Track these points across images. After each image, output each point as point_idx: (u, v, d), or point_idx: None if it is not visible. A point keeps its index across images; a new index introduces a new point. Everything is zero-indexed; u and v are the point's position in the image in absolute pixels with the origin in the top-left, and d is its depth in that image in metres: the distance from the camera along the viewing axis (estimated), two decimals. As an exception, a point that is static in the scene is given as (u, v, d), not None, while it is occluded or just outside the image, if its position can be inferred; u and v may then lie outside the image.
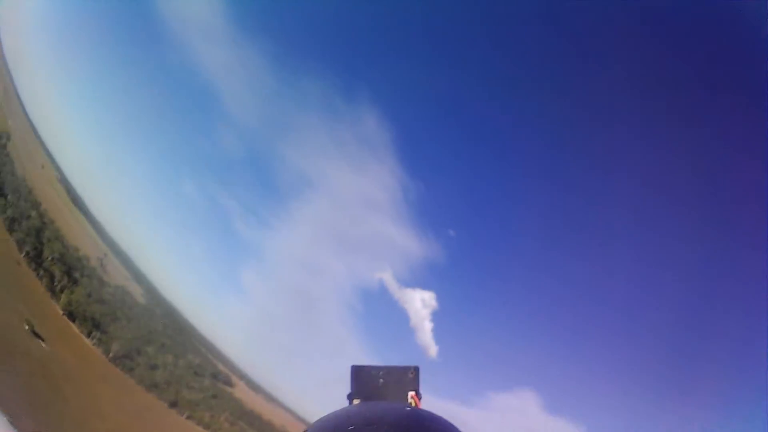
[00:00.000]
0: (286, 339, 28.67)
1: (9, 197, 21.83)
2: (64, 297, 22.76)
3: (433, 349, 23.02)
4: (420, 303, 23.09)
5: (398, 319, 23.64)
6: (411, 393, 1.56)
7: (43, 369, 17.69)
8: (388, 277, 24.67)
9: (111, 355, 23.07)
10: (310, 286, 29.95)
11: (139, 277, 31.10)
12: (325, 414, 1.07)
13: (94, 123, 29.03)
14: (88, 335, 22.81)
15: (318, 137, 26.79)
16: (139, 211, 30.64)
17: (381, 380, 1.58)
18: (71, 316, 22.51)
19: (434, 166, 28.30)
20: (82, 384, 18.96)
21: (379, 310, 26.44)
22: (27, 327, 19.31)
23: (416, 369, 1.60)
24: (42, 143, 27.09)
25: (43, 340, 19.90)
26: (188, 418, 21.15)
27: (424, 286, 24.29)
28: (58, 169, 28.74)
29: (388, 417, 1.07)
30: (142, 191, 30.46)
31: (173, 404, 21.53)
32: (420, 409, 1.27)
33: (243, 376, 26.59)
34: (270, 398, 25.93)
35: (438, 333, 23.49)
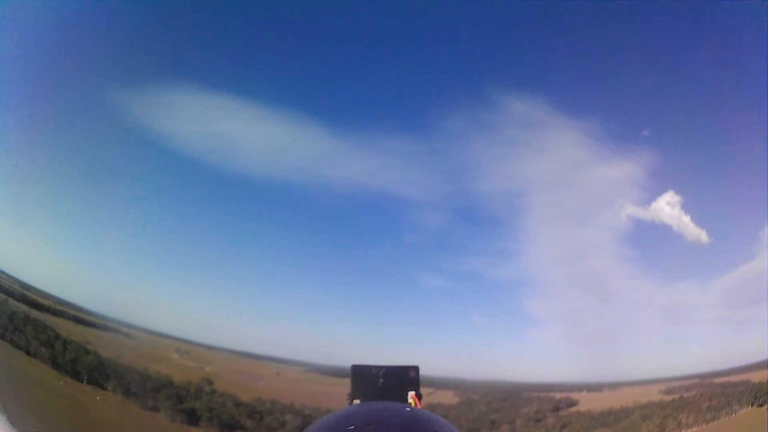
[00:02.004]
0: (600, 325, 27.94)
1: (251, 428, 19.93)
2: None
3: (701, 235, 23.62)
4: (667, 207, 24.06)
5: (663, 234, 24.54)
6: (411, 393, 1.59)
7: None
8: (630, 208, 25.52)
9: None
10: (585, 267, 28.80)
11: (443, 383, 26.98)
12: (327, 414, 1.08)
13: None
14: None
15: (494, 152, 26.79)
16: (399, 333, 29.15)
17: (381, 380, 1.59)
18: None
19: (594, 89, 27.16)
20: None
21: (644, 239, 26.64)
22: None
23: (417, 369, 1.64)
24: (269, 358, 26.47)
25: None
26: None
27: (658, 191, 24.47)
28: (304, 363, 27.55)
29: (388, 417, 1.08)
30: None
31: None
32: (420, 410, 1.24)
33: (583, 386, 24.82)
34: (613, 385, 24.21)
35: (696, 219, 23.59)
